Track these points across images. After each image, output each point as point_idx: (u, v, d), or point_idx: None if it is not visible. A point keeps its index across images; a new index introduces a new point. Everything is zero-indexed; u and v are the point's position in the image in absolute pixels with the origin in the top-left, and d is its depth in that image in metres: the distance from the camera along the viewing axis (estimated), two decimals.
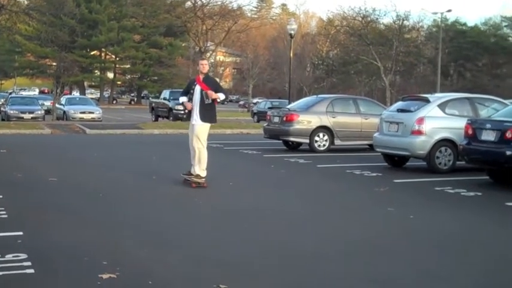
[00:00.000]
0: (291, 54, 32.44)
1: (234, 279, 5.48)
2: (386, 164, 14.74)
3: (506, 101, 15.36)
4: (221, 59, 65.30)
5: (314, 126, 18.07)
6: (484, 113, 13.88)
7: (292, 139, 18.45)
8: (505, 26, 76.23)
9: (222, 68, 63.88)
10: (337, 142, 18.34)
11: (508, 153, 10.99)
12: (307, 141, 18.05)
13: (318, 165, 14.49)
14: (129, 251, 6.40)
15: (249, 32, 43.67)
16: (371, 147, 16.64)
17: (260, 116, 40.03)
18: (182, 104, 11.32)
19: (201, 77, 10.92)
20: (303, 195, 10.48)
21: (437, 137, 13.44)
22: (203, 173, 10.74)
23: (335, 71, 70.60)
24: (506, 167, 11.56)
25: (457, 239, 7.44)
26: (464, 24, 76.42)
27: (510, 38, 75.44)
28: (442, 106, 13.89)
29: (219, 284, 5.28)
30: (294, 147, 18.87)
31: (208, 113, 10.82)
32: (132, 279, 5.45)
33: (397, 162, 14.74)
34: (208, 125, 10.88)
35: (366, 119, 18.43)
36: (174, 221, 8.01)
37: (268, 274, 5.74)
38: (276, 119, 18.69)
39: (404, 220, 8.41)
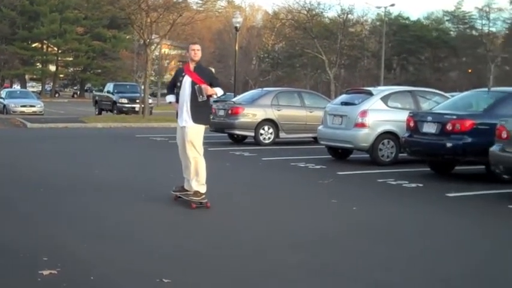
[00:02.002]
0: (237, 48, 32.37)
1: (178, 274, 5.45)
2: (330, 156, 14.88)
3: (447, 94, 15.70)
4: (166, 52, 64.75)
5: (259, 119, 18.12)
6: (425, 105, 14.14)
7: (237, 132, 18.45)
8: (447, 20, 77.82)
9: (168, 61, 63.34)
10: (282, 135, 18.43)
11: (449, 145, 11.22)
12: (253, 134, 18.09)
13: (263, 158, 14.52)
14: (70, 246, 6.30)
15: (195, 24, 43.23)
16: (315, 140, 16.75)
17: None
18: (170, 104, 9.19)
19: (192, 66, 8.59)
20: (248, 188, 10.49)
21: (380, 129, 13.61)
22: (203, 189, 8.47)
23: (280, 64, 70.84)
24: (447, 158, 11.82)
25: (399, 229, 7.57)
26: (407, 18, 77.77)
27: (451, 33, 77.06)
28: (385, 99, 14.08)
29: (163, 278, 5.24)
30: (239, 140, 18.88)
31: (202, 111, 8.51)
32: (74, 275, 5.35)
33: (341, 154, 14.89)
34: (202, 126, 8.59)
35: (311, 112, 18.55)
36: (117, 216, 7.91)
37: (213, 267, 5.72)
38: (221, 112, 18.66)
39: (347, 212, 8.50)
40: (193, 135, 8.44)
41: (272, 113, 18.24)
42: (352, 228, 7.52)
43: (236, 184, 10.89)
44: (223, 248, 6.42)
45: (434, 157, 12.19)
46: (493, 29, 67.94)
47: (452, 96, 14.72)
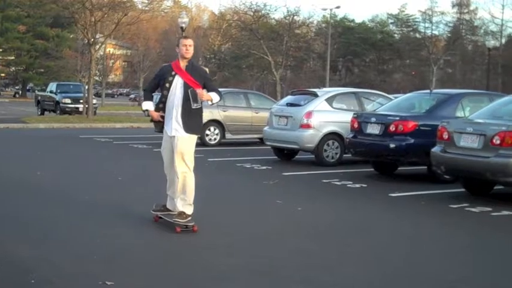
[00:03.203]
0: None
1: (120, 275, 5.39)
2: (275, 157, 14.93)
3: (390, 96, 15.95)
4: (111, 52, 64.01)
5: (205, 120, 17.99)
6: (369, 107, 14.33)
7: None
8: (391, 23, 79.18)
9: (112, 61, 62.65)
10: (228, 136, 18.43)
11: (392, 145, 11.39)
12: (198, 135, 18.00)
13: (209, 159, 14.46)
14: (9, 249, 6.16)
15: (140, 24, 42.84)
16: (261, 141, 16.80)
17: None
18: (146, 112, 7.83)
19: (183, 64, 7.26)
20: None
21: (325, 130, 13.73)
22: (189, 210, 7.18)
23: (227, 65, 70.82)
24: (390, 159, 11.99)
25: (342, 229, 7.64)
26: (353, 20, 78.96)
27: (395, 35, 78.44)
28: (330, 100, 14.22)
29: (106, 281, 5.16)
30: None
31: (195, 118, 7.27)
32: (13, 278, 5.24)
33: (286, 155, 14.96)
34: (195, 137, 7.36)
35: (257, 112, 18.60)
36: (59, 218, 7.75)
37: (155, 268, 5.66)
38: None
39: (292, 212, 8.53)
40: (185, 146, 7.21)
41: (218, 114, 18.20)
42: (296, 229, 7.54)
43: None
44: (164, 248, 6.37)
45: (378, 158, 12.35)
46: (436, 32, 69.31)
47: (396, 97, 14.95)
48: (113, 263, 5.79)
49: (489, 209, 8.97)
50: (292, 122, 14.07)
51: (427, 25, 69.35)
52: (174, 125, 7.21)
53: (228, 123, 18.30)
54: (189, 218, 7.11)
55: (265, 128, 15.09)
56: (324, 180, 11.44)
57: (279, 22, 54.66)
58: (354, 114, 12.86)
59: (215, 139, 18.13)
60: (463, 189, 10.36)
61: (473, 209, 8.96)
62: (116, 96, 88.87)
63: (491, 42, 53.02)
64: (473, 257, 6.56)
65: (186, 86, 7.11)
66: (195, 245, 6.56)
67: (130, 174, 11.96)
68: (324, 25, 71.55)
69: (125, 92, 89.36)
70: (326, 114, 13.90)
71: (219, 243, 6.66)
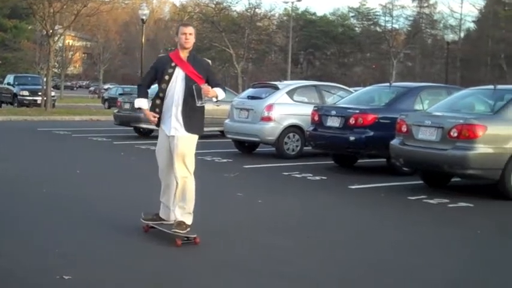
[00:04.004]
0: (143, 40, 31.99)
1: (78, 270, 5.34)
2: (236, 150, 14.93)
3: (350, 89, 16.06)
4: (70, 43, 63.26)
5: None
6: (330, 100, 14.41)
7: (143, 126, 18.16)
8: (352, 16, 79.70)
9: (72, 53, 61.93)
10: None
11: (351, 138, 11.47)
12: (158, 128, 17.86)
13: None
14: None
15: (100, 15, 42.37)
16: (222, 134, 16.75)
17: (111, 102, 39.21)
18: (140, 110, 7.04)
19: (183, 55, 6.51)
20: (151, 182, 10.34)
21: (286, 123, 13.77)
22: (189, 219, 6.45)
23: None
24: (350, 151, 12.08)
25: (301, 221, 7.67)
26: (314, 13, 79.23)
27: (356, 29, 79.00)
28: (291, 93, 14.27)
29: (63, 275, 5.11)
30: (145, 134, 18.64)
31: (197, 116, 6.52)
32: None
33: (247, 148, 14.96)
34: (196, 137, 6.59)
35: (218, 105, 18.45)
36: (15, 211, 7.63)
37: (114, 263, 5.63)
38: (127, 105, 18.36)
39: (252, 204, 8.55)
40: (186, 147, 6.44)
41: None
42: (256, 221, 7.55)
43: (139, 178, 10.73)
44: (123, 244, 6.32)
45: (338, 150, 12.44)
46: (396, 26, 70.10)
47: (356, 91, 15.06)
48: (72, 257, 5.72)
49: (446, 200, 9.10)
50: (253, 115, 14.08)
51: (387, 19, 70.18)
52: (174, 123, 6.44)
53: None
54: (189, 229, 6.36)
55: (226, 121, 15.06)
56: (285, 173, 11.48)
57: (240, 15, 54.73)
58: (315, 107, 12.92)
59: None
60: (421, 182, 10.51)
61: (431, 201, 9.07)
62: (75, 88, 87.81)
63: (450, 36, 53.53)
64: (436, 249, 6.61)
65: (187, 80, 6.34)
66: (157, 241, 6.50)
67: (89, 167, 11.83)
68: (285, 18, 71.66)
69: (84, 84, 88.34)
70: (287, 107, 13.94)
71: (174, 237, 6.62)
